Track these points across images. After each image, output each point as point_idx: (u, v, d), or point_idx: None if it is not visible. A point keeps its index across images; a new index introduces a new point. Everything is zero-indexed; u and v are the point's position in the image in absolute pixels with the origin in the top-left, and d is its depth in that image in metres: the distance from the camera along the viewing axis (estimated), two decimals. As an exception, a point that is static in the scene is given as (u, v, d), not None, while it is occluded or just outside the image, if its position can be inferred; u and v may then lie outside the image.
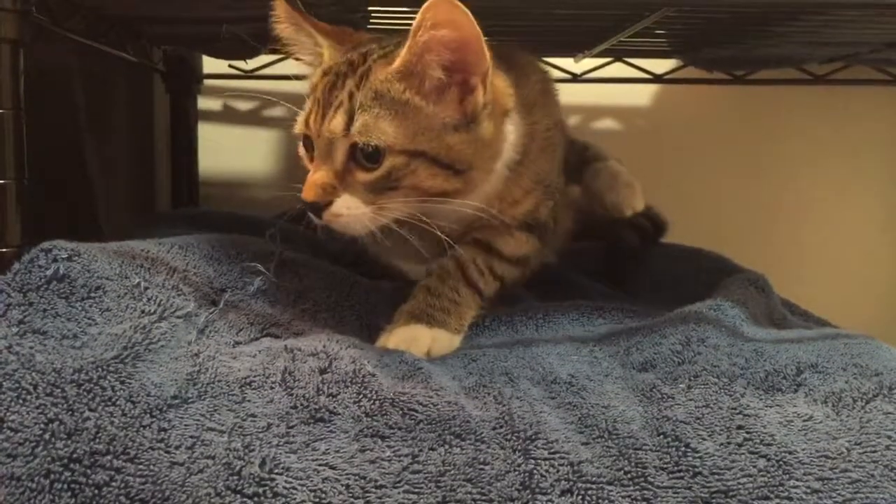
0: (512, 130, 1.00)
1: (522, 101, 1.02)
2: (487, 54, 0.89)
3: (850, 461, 0.69)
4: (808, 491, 0.66)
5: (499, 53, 0.98)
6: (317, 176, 0.92)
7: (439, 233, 0.95)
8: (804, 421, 0.73)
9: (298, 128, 0.97)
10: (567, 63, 1.60)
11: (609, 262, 1.44)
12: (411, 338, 0.94)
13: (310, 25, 0.99)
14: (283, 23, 0.99)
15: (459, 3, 0.84)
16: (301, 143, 1.00)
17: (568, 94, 1.68)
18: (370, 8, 1.15)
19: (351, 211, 0.92)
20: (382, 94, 0.91)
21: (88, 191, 1.33)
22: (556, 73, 1.59)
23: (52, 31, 1.03)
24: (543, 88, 1.12)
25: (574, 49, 1.52)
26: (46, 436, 0.65)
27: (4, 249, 0.87)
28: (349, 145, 0.91)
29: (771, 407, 0.76)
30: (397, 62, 0.91)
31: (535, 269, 1.15)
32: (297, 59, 1.04)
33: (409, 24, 1.11)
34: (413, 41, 0.87)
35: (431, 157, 0.91)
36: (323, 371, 0.77)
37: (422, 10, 0.84)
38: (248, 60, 1.54)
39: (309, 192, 0.92)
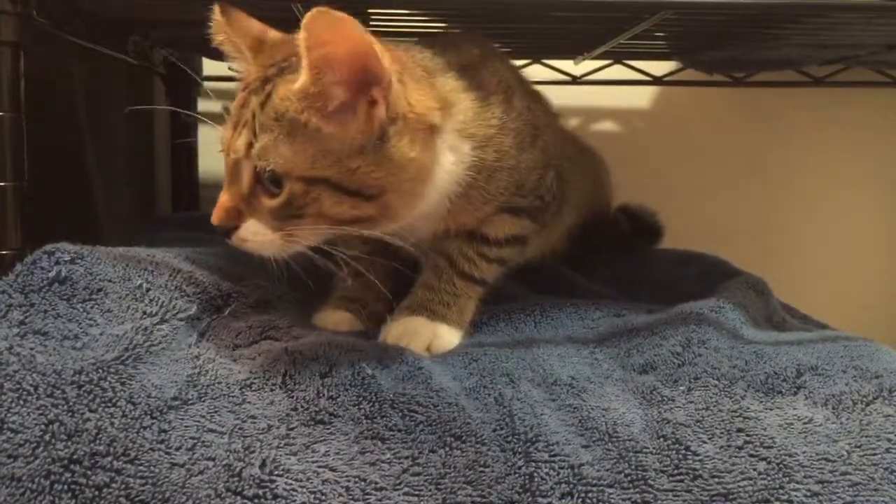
0: (453, 151, 0.92)
1: (480, 102, 0.95)
2: (385, 65, 0.81)
3: (850, 464, 0.69)
4: (809, 494, 0.66)
5: (444, 57, 0.93)
6: (223, 199, 0.86)
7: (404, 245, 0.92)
8: (804, 424, 0.73)
9: (220, 145, 0.90)
10: (567, 65, 1.60)
11: (609, 265, 1.44)
12: (412, 331, 0.94)
13: (237, 34, 0.91)
14: (219, 33, 0.93)
15: (341, 14, 0.77)
16: None
17: (568, 97, 1.69)
18: (370, 10, 1.15)
19: (257, 237, 0.86)
20: (282, 114, 0.83)
21: (88, 193, 1.33)
22: (556, 76, 1.59)
23: (52, 33, 1.03)
24: (506, 86, 1.02)
25: (574, 51, 1.52)
26: (47, 437, 0.65)
27: (4, 252, 0.87)
28: (252, 167, 0.84)
29: (771, 410, 0.76)
30: (297, 83, 0.82)
31: (553, 247, 1.17)
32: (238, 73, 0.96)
33: (410, 27, 1.11)
34: (307, 60, 0.80)
35: (334, 184, 0.84)
36: (323, 375, 0.77)
37: (302, 25, 0.76)
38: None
39: (216, 216, 0.86)
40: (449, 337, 0.96)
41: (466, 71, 0.96)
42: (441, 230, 1.01)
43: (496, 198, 1.00)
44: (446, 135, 0.92)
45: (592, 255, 1.39)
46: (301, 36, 0.77)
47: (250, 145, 0.84)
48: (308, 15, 0.75)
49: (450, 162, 0.92)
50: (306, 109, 0.82)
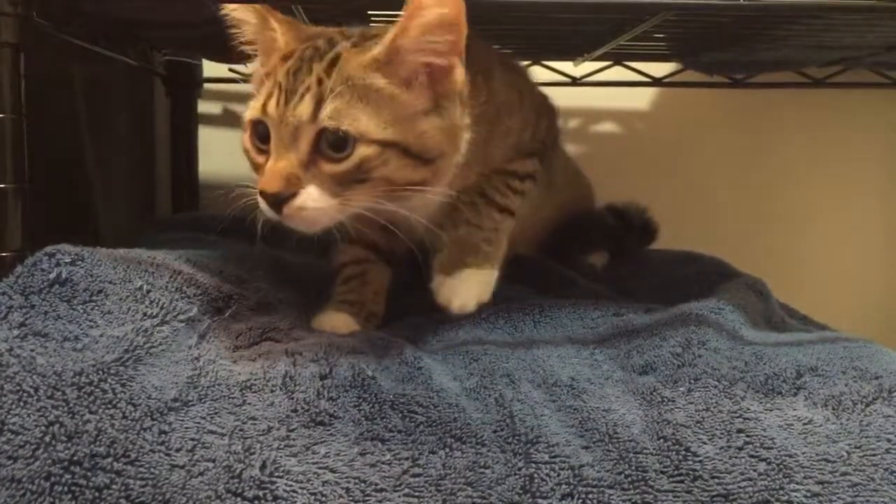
0: (466, 119, 0.96)
1: (470, 83, 0.98)
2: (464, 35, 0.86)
3: (850, 464, 0.69)
4: (809, 494, 0.66)
5: None
6: (280, 165, 0.85)
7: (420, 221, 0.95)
8: (804, 424, 0.73)
9: (253, 113, 0.90)
10: (566, 67, 1.60)
11: (608, 266, 1.44)
12: (462, 286, 1.01)
13: (263, 9, 0.94)
14: (238, 5, 0.94)
15: None
16: (249, 133, 0.92)
17: (567, 98, 1.69)
18: (369, 11, 1.15)
19: (317, 204, 0.86)
20: (355, 80, 0.86)
21: (89, 194, 1.33)
22: (556, 77, 1.59)
23: (52, 35, 1.03)
24: (486, 67, 1.06)
25: (573, 53, 1.52)
26: (47, 438, 0.65)
27: (5, 253, 0.87)
28: (316, 132, 0.85)
29: (771, 410, 0.76)
30: (380, 47, 0.86)
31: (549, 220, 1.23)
32: (242, 44, 0.97)
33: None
34: (408, 22, 0.84)
35: (403, 147, 0.87)
36: (323, 377, 0.77)
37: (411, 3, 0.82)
38: (248, 64, 1.54)
39: (272, 183, 0.85)
40: (491, 279, 1.03)
41: None
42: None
43: (500, 161, 1.07)
44: (463, 113, 0.95)
45: (579, 244, 1.41)
46: (412, 3, 0.82)
47: (316, 110, 0.85)
48: None
49: (466, 132, 0.96)
50: (382, 76, 0.87)
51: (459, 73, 0.89)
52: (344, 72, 0.86)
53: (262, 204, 0.86)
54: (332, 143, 0.85)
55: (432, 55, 0.87)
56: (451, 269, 1.02)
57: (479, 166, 1.04)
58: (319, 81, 0.86)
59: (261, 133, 0.90)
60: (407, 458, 0.68)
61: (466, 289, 1.02)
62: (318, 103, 0.85)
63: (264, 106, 0.88)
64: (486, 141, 1.02)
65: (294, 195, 0.85)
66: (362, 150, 0.85)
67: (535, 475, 0.67)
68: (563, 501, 0.66)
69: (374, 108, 0.86)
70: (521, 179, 1.11)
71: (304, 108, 0.85)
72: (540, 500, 0.66)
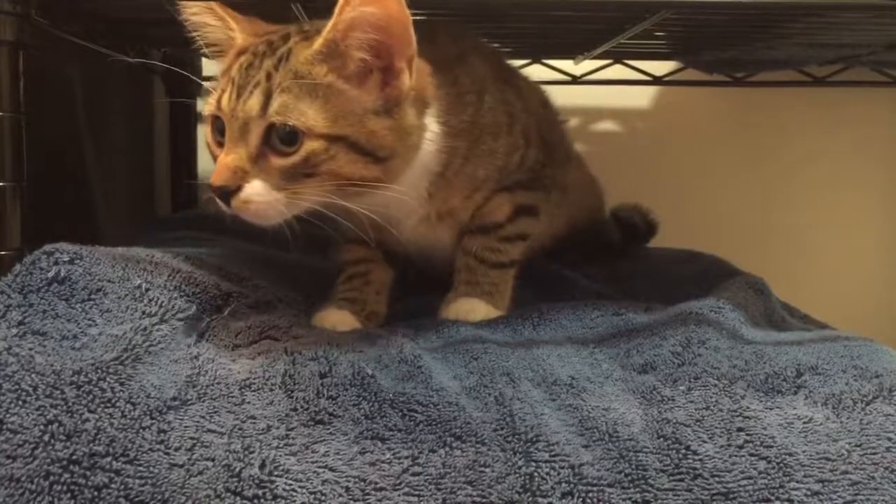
0: (430, 130, 0.97)
1: (454, 97, 1.00)
2: (414, 38, 0.87)
3: (850, 463, 0.69)
4: (809, 493, 0.66)
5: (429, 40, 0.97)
6: (228, 159, 0.86)
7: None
8: (804, 423, 0.73)
9: (209, 108, 0.91)
10: (567, 65, 1.60)
11: (607, 264, 1.44)
12: (470, 308, 1.05)
13: (220, 9, 0.95)
14: (192, 8, 0.95)
15: None
16: (210, 127, 0.93)
17: (568, 96, 1.69)
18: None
19: (262, 198, 0.87)
20: (303, 75, 0.87)
21: (88, 193, 1.33)
22: (556, 75, 1.59)
23: (51, 33, 1.03)
24: (480, 85, 1.06)
25: (574, 51, 1.52)
26: (46, 437, 0.65)
27: (4, 252, 0.87)
28: (265, 127, 0.86)
29: (771, 409, 0.76)
30: (319, 41, 0.87)
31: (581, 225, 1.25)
32: (205, 46, 0.98)
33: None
34: (337, 18, 0.84)
35: (352, 143, 0.87)
36: (323, 375, 0.77)
37: None
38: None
39: (218, 176, 0.86)
40: (497, 315, 1.06)
41: (440, 66, 0.99)
42: (431, 215, 1.05)
43: (485, 182, 1.06)
44: (429, 115, 0.96)
45: (583, 258, 1.41)
46: None
47: (265, 105, 0.86)
48: None
49: (428, 139, 0.96)
50: (329, 71, 0.87)
51: (405, 80, 0.89)
52: (292, 66, 0.87)
53: (217, 201, 0.88)
54: (282, 137, 0.86)
55: (365, 52, 0.87)
56: (459, 297, 1.08)
57: (462, 183, 1.04)
58: (268, 76, 0.87)
59: (219, 128, 0.91)
60: (407, 457, 0.68)
61: (472, 307, 1.06)
62: (267, 98, 0.86)
63: (219, 101, 0.89)
64: (467, 157, 1.02)
65: (239, 188, 0.86)
66: (309, 145, 0.86)
67: (535, 474, 0.67)
68: (563, 500, 0.66)
69: (321, 102, 0.87)
70: (513, 221, 1.11)
71: (254, 102, 0.86)
72: (540, 499, 0.66)
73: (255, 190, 0.87)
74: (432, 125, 0.97)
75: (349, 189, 0.89)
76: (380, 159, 0.89)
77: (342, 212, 0.94)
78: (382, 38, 0.86)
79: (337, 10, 0.83)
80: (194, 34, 0.97)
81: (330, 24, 0.85)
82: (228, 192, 0.86)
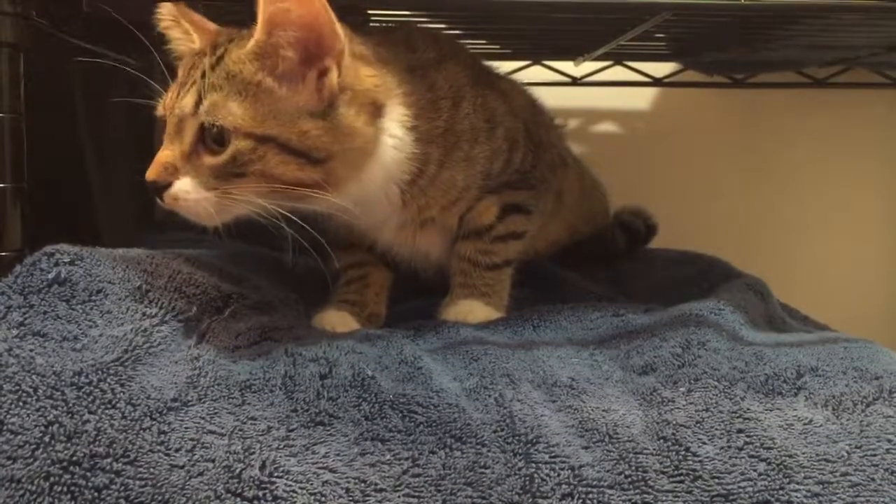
0: (394, 137, 0.96)
1: (427, 103, 0.99)
2: (341, 34, 0.86)
3: (850, 465, 0.69)
4: (809, 495, 0.66)
5: (396, 54, 0.97)
6: (162, 155, 0.88)
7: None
8: (804, 424, 0.73)
9: (158, 110, 0.93)
10: (567, 66, 1.60)
11: (607, 266, 1.44)
12: (468, 310, 1.05)
13: (187, 21, 0.96)
14: (165, 20, 0.98)
15: None
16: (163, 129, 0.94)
17: (568, 98, 1.69)
18: (369, 11, 1.15)
19: (190, 196, 0.87)
20: (234, 74, 0.86)
21: (88, 195, 1.33)
22: (557, 77, 1.59)
23: (52, 34, 1.03)
24: (456, 90, 1.05)
25: (574, 52, 1.52)
26: (46, 438, 0.65)
27: (4, 253, 0.87)
28: (198, 125, 0.86)
29: (771, 410, 0.76)
30: (251, 41, 0.87)
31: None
32: (176, 58, 1.00)
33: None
34: (261, 17, 0.84)
35: (282, 143, 0.86)
36: (323, 377, 0.77)
37: None
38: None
39: (151, 171, 0.87)
40: (497, 317, 1.06)
41: (415, 72, 0.99)
42: (411, 222, 1.05)
43: (467, 190, 1.05)
44: (389, 120, 0.95)
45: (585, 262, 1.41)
46: None
47: (198, 103, 0.86)
48: None
49: (390, 145, 0.95)
50: (259, 70, 0.87)
51: (333, 78, 0.88)
52: (226, 66, 0.87)
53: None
54: (214, 136, 0.86)
55: (293, 50, 0.86)
56: (457, 300, 1.08)
57: (440, 191, 1.03)
58: (203, 75, 0.87)
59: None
60: (407, 458, 0.68)
61: (470, 309, 1.06)
62: (200, 97, 0.87)
63: (164, 100, 0.91)
64: (442, 164, 1.01)
65: (169, 185, 0.87)
66: (237, 144, 0.86)
67: (535, 475, 0.67)
68: (564, 501, 0.66)
69: (251, 102, 0.86)
70: (502, 221, 1.11)
71: (188, 101, 0.87)
72: (540, 500, 0.66)
73: (184, 187, 0.87)
74: (395, 130, 0.96)
75: (291, 193, 0.88)
76: (316, 161, 0.88)
77: (311, 216, 0.94)
78: (306, 34, 0.85)
79: (259, 9, 0.83)
80: (168, 49, 0.98)
81: (258, 22, 0.85)
82: (159, 187, 0.87)
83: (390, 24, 1.21)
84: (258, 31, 0.86)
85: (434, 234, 1.08)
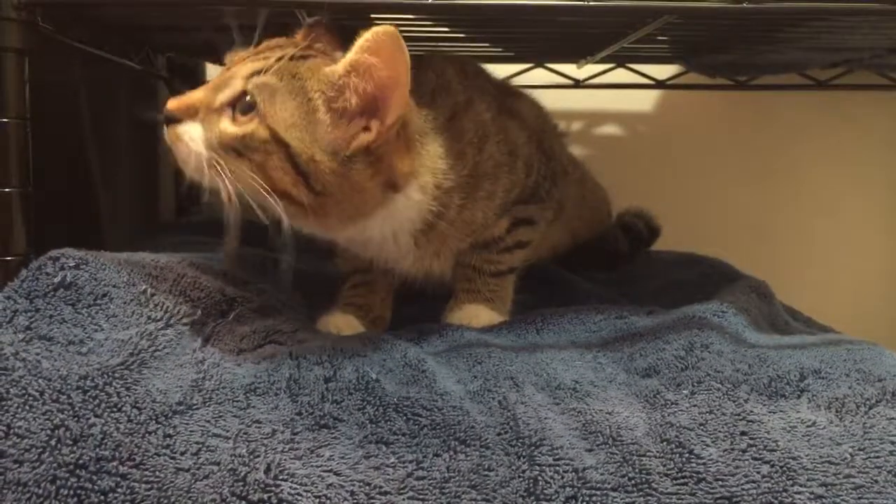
0: (409, 199, 0.95)
1: (455, 155, 0.98)
2: (399, 112, 0.87)
3: (853, 467, 0.69)
4: (812, 497, 0.67)
5: (435, 111, 0.96)
6: (194, 94, 0.88)
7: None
8: (807, 427, 0.73)
9: (225, 59, 0.93)
10: (570, 69, 1.60)
11: (610, 268, 1.44)
12: (473, 314, 1.06)
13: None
14: None
15: (404, 47, 0.82)
16: None
17: (570, 100, 1.70)
18: (372, 16, 1.15)
19: (192, 142, 0.86)
20: (300, 79, 0.87)
21: (93, 199, 1.34)
22: (559, 80, 1.59)
23: (57, 39, 1.03)
24: (483, 133, 1.04)
25: (576, 55, 1.52)
26: (52, 442, 0.65)
27: (10, 257, 0.88)
28: (240, 90, 0.86)
29: (774, 413, 0.76)
30: (331, 68, 0.87)
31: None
32: None
33: (412, 33, 1.11)
34: (351, 54, 0.85)
35: (291, 154, 0.86)
36: (328, 380, 0.77)
37: (374, 31, 0.83)
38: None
39: (175, 102, 0.87)
40: (501, 320, 1.06)
41: (451, 123, 0.99)
42: (432, 256, 1.05)
43: (484, 222, 1.06)
44: (407, 190, 0.94)
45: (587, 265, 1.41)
46: (365, 37, 0.83)
47: (255, 74, 0.87)
48: (384, 28, 0.82)
49: (402, 205, 0.95)
50: (320, 92, 0.87)
51: (368, 139, 0.87)
52: (300, 67, 0.88)
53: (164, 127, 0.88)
54: (243, 108, 0.86)
55: (356, 97, 0.86)
56: (461, 304, 1.09)
57: (458, 229, 1.03)
58: (279, 59, 0.88)
59: None
60: (411, 461, 0.69)
61: (475, 313, 1.07)
62: (261, 72, 0.87)
63: (234, 55, 0.92)
64: (463, 205, 1.01)
65: (180, 121, 0.87)
66: (255, 127, 0.85)
67: (539, 478, 0.68)
68: (567, 504, 0.66)
69: (293, 107, 0.86)
70: (510, 233, 1.11)
71: (249, 67, 0.88)
72: (543, 503, 0.66)
73: (192, 132, 0.87)
74: (414, 194, 0.95)
75: (270, 196, 0.87)
76: (312, 189, 0.87)
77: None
78: (377, 94, 0.86)
79: (354, 48, 0.85)
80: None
81: (345, 59, 0.86)
82: (172, 119, 0.87)
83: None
84: (340, 65, 0.86)
85: (449, 259, 1.09)
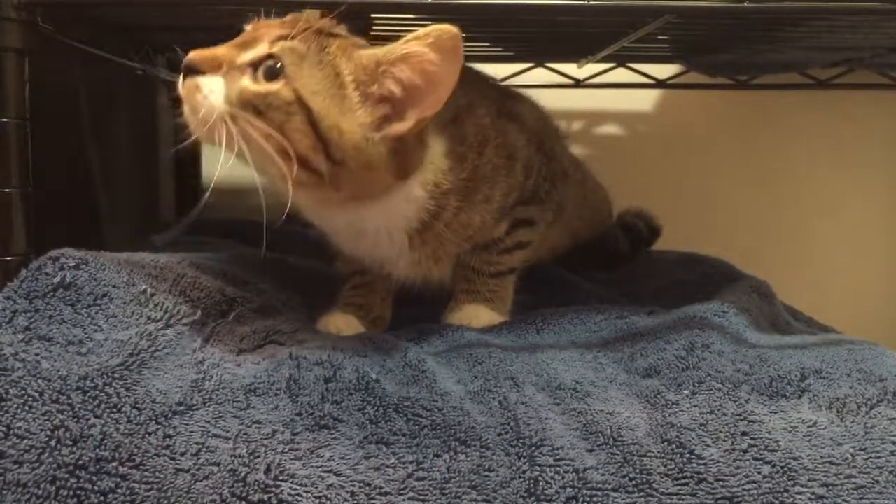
0: (408, 191, 0.96)
1: (455, 160, 0.99)
2: (436, 109, 0.87)
3: (854, 467, 0.69)
4: (813, 497, 0.66)
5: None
6: (218, 49, 0.87)
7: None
8: (808, 427, 0.73)
9: (252, 20, 0.92)
10: (570, 69, 1.60)
11: (610, 268, 1.44)
12: (473, 314, 1.06)
13: None
14: None
15: (461, 50, 0.83)
16: None
17: (571, 100, 1.70)
18: (372, 15, 1.15)
19: (211, 95, 0.85)
20: (328, 54, 0.88)
21: (93, 199, 1.34)
22: (559, 79, 1.59)
23: (57, 39, 1.03)
24: (483, 137, 1.04)
25: (577, 55, 1.52)
26: (52, 442, 0.65)
27: (10, 258, 0.88)
28: (264, 54, 0.86)
29: (775, 413, 0.76)
30: (376, 52, 0.88)
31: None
32: None
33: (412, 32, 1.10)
34: (402, 45, 0.86)
35: (314, 119, 0.85)
36: (328, 380, 0.77)
37: (435, 28, 0.83)
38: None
39: (198, 53, 0.86)
40: (501, 321, 1.06)
41: (454, 125, 0.99)
42: (429, 261, 1.05)
43: (483, 226, 1.05)
44: (411, 182, 0.95)
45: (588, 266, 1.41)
46: (426, 32, 0.84)
47: (280, 39, 0.87)
48: (448, 27, 0.83)
49: (402, 197, 0.96)
50: (349, 72, 0.88)
51: (401, 128, 0.88)
52: (329, 43, 0.88)
53: (180, 79, 0.87)
54: (267, 71, 0.86)
55: (398, 87, 0.87)
56: (461, 305, 1.08)
57: (455, 231, 1.03)
58: (306, 29, 0.88)
59: None
60: (411, 462, 0.68)
61: (475, 313, 1.06)
62: (287, 38, 0.86)
63: (261, 18, 0.92)
64: (460, 208, 1.01)
65: (201, 73, 0.85)
66: (280, 88, 0.85)
67: (540, 478, 0.67)
68: (568, 504, 0.66)
69: (322, 79, 0.87)
70: (510, 234, 1.11)
71: (276, 32, 0.87)
72: (544, 503, 0.66)
73: (212, 85, 0.85)
74: (415, 189, 0.96)
75: (288, 166, 0.86)
76: (331, 157, 0.87)
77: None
78: (424, 87, 0.86)
79: (410, 38, 0.85)
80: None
81: (395, 48, 0.86)
82: (192, 69, 0.85)
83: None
84: (381, 52, 0.87)
85: (448, 265, 1.08)
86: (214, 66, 0.86)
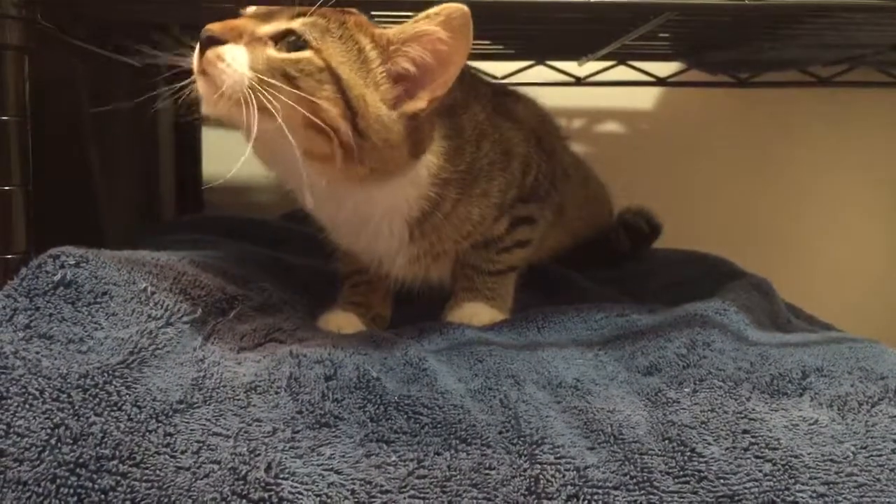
0: (415, 173, 0.97)
1: (453, 150, 1.00)
2: (447, 88, 0.89)
3: (855, 465, 0.69)
4: (814, 495, 0.66)
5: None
6: (238, 20, 0.87)
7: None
8: (810, 425, 0.73)
9: None
10: (571, 66, 1.60)
11: (611, 266, 1.44)
12: (473, 313, 1.06)
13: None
14: None
15: (470, 30, 0.84)
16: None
17: (572, 98, 1.70)
18: (372, 14, 1.15)
19: (235, 63, 0.84)
20: (349, 29, 0.89)
21: (93, 197, 1.33)
22: (560, 77, 1.59)
23: (56, 37, 1.03)
24: (480, 131, 1.06)
25: (577, 52, 1.52)
26: (52, 441, 0.65)
27: (10, 256, 0.87)
28: (285, 28, 0.86)
29: (776, 411, 0.76)
30: (388, 32, 0.89)
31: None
32: None
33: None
34: (414, 24, 0.87)
35: (343, 88, 0.86)
36: (328, 378, 0.77)
37: (449, 6, 0.84)
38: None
39: (217, 24, 0.85)
40: (501, 319, 1.06)
41: (449, 114, 1.00)
42: (423, 256, 1.05)
43: (482, 221, 1.06)
44: (418, 164, 0.96)
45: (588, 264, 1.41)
46: (435, 11, 0.85)
47: (300, 15, 0.87)
48: (457, 5, 0.84)
49: (409, 180, 0.97)
50: (373, 47, 0.89)
51: (417, 106, 0.90)
52: (347, 20, 0.90)
53: (196, 53, 0.87)
54: (289, 45, 0.86)
55: (412, 65, 0.89)
56: (461, 303, 1.08)
57: (455, 225, 1.03)
58: (328, 13, 0.88)
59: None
60: (412, 460, 0.68)
61: (476, 311, 1.07)
62: (307, 14, 0.87)
63: None
64: (458, 200, 1.02)
65: (223, 42, 0.85)
66: (310, 55, 0.86)
67: (541, 476, 0.67)
68: (569, 502, 0.66)
69: (346, 51, 0.88)
70: (509, 233, 1.11)
71: (290, 11, 0.87)
72: (545, 502, 0.66)
73: (235, 53, 0.85)
74: (420, 171, 0.97)
75: (311, 139, 0.87)
76: (357, 128, 0.87)
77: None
78: (435, 66, 0.88)
79: (423, 17, 0.87)
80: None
81: (412, 27, 0.88)
82: (213, 40, 0.84)
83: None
84: (393, 32, 0.89)
85: (447, 265, 1.09)
86: (236, 36, 0.86)
